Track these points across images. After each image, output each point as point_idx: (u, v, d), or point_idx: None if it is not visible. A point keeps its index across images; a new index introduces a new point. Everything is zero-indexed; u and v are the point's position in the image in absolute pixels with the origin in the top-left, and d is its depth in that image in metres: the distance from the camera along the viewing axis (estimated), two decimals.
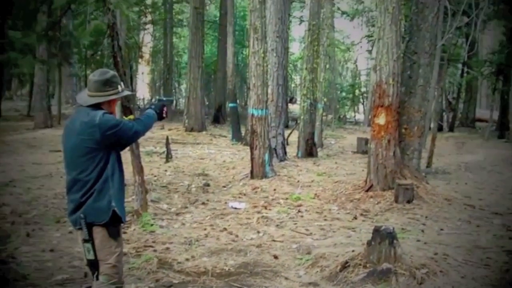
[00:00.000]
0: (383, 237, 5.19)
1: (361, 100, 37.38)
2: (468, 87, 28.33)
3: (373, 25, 34.94)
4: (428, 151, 13.13)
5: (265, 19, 11.13)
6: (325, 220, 7.98)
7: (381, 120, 9.27)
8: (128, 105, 7.50)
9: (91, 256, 3.54)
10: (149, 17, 32.35)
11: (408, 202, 8.66)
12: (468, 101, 29.52)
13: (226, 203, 9.02)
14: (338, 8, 30.24)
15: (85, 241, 3.51)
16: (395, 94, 9.21)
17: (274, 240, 6.79)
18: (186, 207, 8.68)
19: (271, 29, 12.75)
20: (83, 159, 3.49)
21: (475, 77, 24.50)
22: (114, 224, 3.57)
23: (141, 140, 15.18)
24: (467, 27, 20.46)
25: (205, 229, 7.32)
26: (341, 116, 31.79)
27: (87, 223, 3.45)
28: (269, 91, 12.08)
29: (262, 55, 10.90)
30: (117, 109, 4.00)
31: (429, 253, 6.01)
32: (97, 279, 3.60)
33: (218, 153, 15.54)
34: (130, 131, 3.60)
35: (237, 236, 7.01)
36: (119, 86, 3.69)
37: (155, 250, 6.23)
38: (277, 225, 7.58)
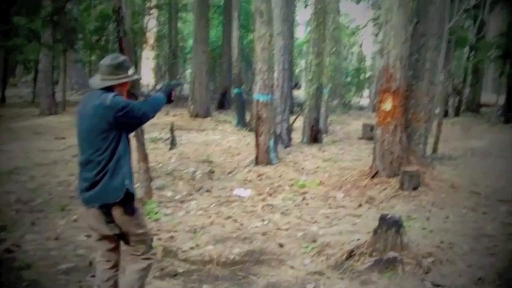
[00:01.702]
0: (389, 225, 5.15)
1: (366, 85, 37.15)
2: (474, 71, 28.01)
3: (379, 8, 34.81)
4: (433, 137, 13.00)
5: (270, 3, 11.01)
6: (330, 207, 7.94)
7: (387, 105, 9.18)
8: (132, 91, 7.44)
9: (117, 231, 3.78)
10: (153, 2, 32.18)
11: (414, 189, 8.59)
12: (474, 85, 29.19)
13: (231, 190, 8.98)
14: None
15: (107, 222, 3.71)
16: (402, 78, 9.11)
17: (279, 228, 6.77)
18: (191, 195, 8.65)
19: (277, 12, 12.60)
20: (96, 139, 3.63)
21: (481, 60, 24.18)
22: (129, 201, 3.71)
23: (145, 126, 15.08)
24: (475, 9, 20.34)
25: (210, 217, 7.30)
26: (346, 102, 31.57)
27: (105, 205, 3.65)
28: (275, 76, 11.97)
29: (268, 39, 10.80)
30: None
31: (435, 241, 5.99)
32: (130, 244, 3.89)
33: (223, 139, 15.46)
34: (139, 111, 3.72)
35: (242, 224, 6.99)
36: (130, 70, 3.84)
37: (159, 239, 6.22)
38: (282, 213, 7.56)
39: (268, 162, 10.96)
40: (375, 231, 5.27)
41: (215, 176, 10.19)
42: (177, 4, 31.47)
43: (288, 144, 13.59)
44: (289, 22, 13.65)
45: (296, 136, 14.92)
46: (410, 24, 9.29)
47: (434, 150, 12.62)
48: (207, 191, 8.97)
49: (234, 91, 20.87)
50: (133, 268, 3.92)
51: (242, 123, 19.04)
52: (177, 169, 10.48)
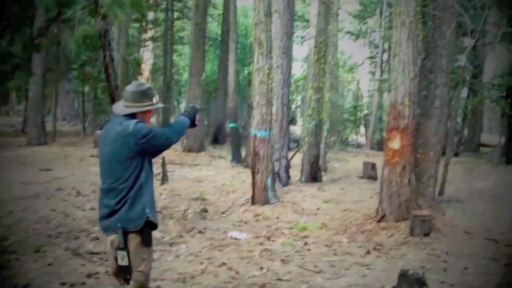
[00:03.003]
0: (411, 283, 4.44)
1: (363, 122, 36.74)
2: (473, 112, 27.62)
3: (377, 46, 34.72)
4: (439, 178, 12.34)
5: (270, 33, 10.45)
6: (335, 254, 7.20)
7: (395, 144, 8.54)
8: None
9: (125, 263, 3.58)
10: (149, 33, 31.82)
11: (425, 235, 7.89)
12: (473, 125, 28.79)
13: (225, 232, 8.25)
14: (342, 28, 29.66)
15: (120, 249, 3.56)
16: (411, 115, 8.49)
17: (279, 279, 6.00)
18: (182, 236, 7.89)
19: (277, 44, 12.07)
20: (118, 167, 3.60)
21: (481, 100, 23.79)
22: (148, 231, 3.62)
23: None
24: (473, 49, 19.95)
25: (201, 263, 6.54)
26: (343, 139, 31.05)
27: (123, 230, 3.54)
28: (273, 110, 11.32)
29: (267, 71, 10.22)
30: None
31: None
32: (128, 283, 3.64)
33: (217, 176, 14.77)
34: (162, 136, 3.69)
35: (237, 272, 6.21)
36: (154, 98, 3.82)
37: None
38: (282, 260, 6.79)
39: (266, 202, 10.27)
40: None
41: (208, 215, 9.46)
42: (173, 37, 31.06)
43: (286, 182, 12.90)
44: (289, 55, 13.05)
45: (294, 174, 14.22)
46: (418, 58, 8.71)
47: (441, 192, 11.93)
48: (200, 232, 8.22)
49: (230, 125, 20.26)
50: None
51: (237, 159, 18.42)
52: (167, 207, 9.75)
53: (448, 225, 8.53)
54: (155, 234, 7.43)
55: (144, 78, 35.17)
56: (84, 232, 7.71)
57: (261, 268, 6.39)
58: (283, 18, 12.56)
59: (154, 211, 3.70)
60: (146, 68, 34.61)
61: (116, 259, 3.63)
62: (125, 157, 3.58)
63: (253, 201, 10.34)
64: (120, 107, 3.78)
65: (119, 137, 3.59)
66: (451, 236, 8.04)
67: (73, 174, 13.43)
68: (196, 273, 6.11)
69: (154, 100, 3.83)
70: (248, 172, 14.33)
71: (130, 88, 3.80)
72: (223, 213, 9.78)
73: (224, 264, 6.51)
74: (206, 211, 9.72)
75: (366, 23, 34.69)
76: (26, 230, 7.67)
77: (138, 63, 29.98)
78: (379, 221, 8.61)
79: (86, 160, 17.04)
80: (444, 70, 9.37)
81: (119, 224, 3.55)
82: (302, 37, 31.89)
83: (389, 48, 33.99)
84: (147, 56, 35.95)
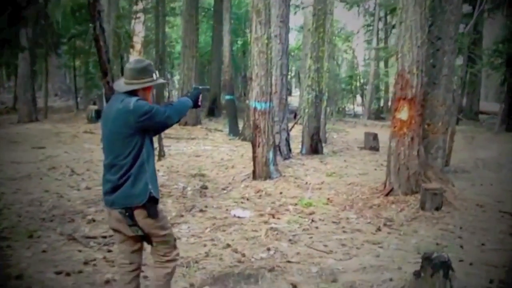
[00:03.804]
0: (436, 267, 4.07)
1: (360, 92, 36.29)
2: (472, 79, 27.21)
3: (372, 15, 34.09)
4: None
5: (268, 1, 9.95)
6: (345, 232, 6.85)
7: (403, 114, 8.15)
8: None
9: (140, 233, 3.72)
10: (140, 5, 31.08)
11: (437, 209, 7.56)
12: (471, 93, 28.40)
13: (227, 210, 7.88)
14: None
15: (130, 225, 3.67)
16: (419, 84, 8.08)
17: (289, 261, 5.64)
18: (182, 216, 7.52)
19: (274, 12, 11.58)
20: (118, 144, 3.60)
21: (482, 67, 23.38)
22: (152, 204, 3.65)
23: None
24: (471, 16, 19.48)
25: (205, 245, 6.18)
26: (340, 109, 30.63)
27: (127, 207, 3.60)
28: (273, 82, 10.85)
29: (266, 41, 9.76)
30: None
31: (482, 279, 4.92)
32: (153, 245, 3.86)
33: (215, 150, 14.40)
34: (163, 115, 3.66)
35: (243, 255, 5.85)
36: (154, 75, 3.80)
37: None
38: (290, 240, 6.43)
39: (267, 177, 9.90)
40: (417, 274, 4.18)
41: (209, 192, 9.10)
42: (165, 8, 30.32)
43: (287, 156, 12.53)
44: (287, 23, 12.56)
45: (294, 146, 13.84)
46: (426, 24, 8.25)
47: (447, 162, 11.60)
48: (200, 211, 7.85)
49: (226, 97, 19.80)
50: (159, 274, 3.90)
51: (234, 132, 18.06)
52: (165, 185, 9.36)
53: (459, 198, 8.19)
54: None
55: (136, 51, 34.54)
56: (80, 214, 7.35)
57: (268, 250, 6.03)
58: None
59: (156, 187, 3.71)
60: (138, 40, 33.94)
61: (129, 232, 3.73)
62: (126, 134, 3.58)
63: (254, 176, 9.99)
64: (121, 85, 3.77)
65: (120, 115, 3.59)
66: (463, 210, 7.71)
67: (66, 151, 13.03)
68: (199, 256, 5.75)
69: (154, 76, 3.81)
70: (247, 145, 13.99)
71: (129, 65, 3.80)
72: (223, 189, 9.42)
73: (228, 245, 6.15)
74: (206, 187, 9.37)
75: None
76: (19, 214, 7.31)
77: (129, 36, 29.33)
78: (387, 195, 8.27)
79: (80, 137, 16.66)
80: (451, 37, 8.91)
81: (118, 203, 3.60)
82: (297, 6, 31.19)
83: (385, 15, 33.61)
84: (139, 29, 35.22)
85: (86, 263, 5.48)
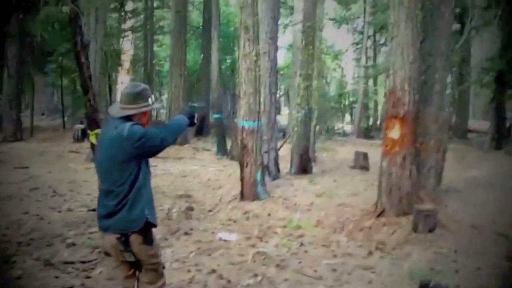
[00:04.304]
0: None
1: (349, 110, 36.24)
2: (461, 97, 27.21)
3: (361, 33, 34.15)
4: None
5: (257, 18, 9.76)
6: (335, 256, 6.58)
7: (394, 133, 7.92)
8: (94, 117, 6.09)
9: (132, 259, 3.69)
10: (128, 24, 30.97)
11: (430, 231, 7.30)
12: (460, 111, 28.37)
13: (213, 233, 7.60)
14: (326, 14, 28.98)
15: (124, 251, 3.64)
16: (411, 102, 7.86)
17: None
18: (166, 239, 7.22)
19: (263, 29, 11.37)
20: (115, 170, 3.58)
21: (470, 85, 23.39)
22: (148, 230, 3.67)
23: None
24: (460, 33, 19.46)
25: (189, 271, 5.89)
26: (330, 127, 30.48)
27: (123, 233, 3.58)
28: (261, 100, 10.61)
29: (254, 58, 9.56)
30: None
31: None
32: (141, 271, 3.81)
33: (202, 170, 14.10)
34: (157, 138, 3.61)
35: (229, 281, 5.58)
36: (149, 99, 3.78)
37: None
38: (278, 265, 6.14)
39: (255, 198, 9.65)
40: None
41: (195, 214, 8.81)
42: (153, 26, 30.21)
43: (276, 176, 12.27)
44: (275, 41, 12.37)
45: (282, 166, 13.56)
46: (418, 40, 8.07)
47: (438, 182, 11.35)
48: (185, 234, 7.56)
49: (214, 116, 19.56)
50: None
51: (222, 151, 17.82)
52: None
53: (453, 219, 7.94)
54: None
55: (125, 70, 34.38)
56: (59, 238, 7.03)
57: (255, 275, 5.75)
58: (269, 2, 11.87)
59: (153, 212, 3.73)
60: (126, 59, 33.76)
61: (124, 258, 3.71)
62: (121, 161, 3.56)
63: (242, 197, 9.73)
64: (116, 109, 3.76)
65: (114, 141, 3.58)
66: (458, 232, 7.45)
67: (50, 171, 12.69)
68: (183, 283, 5.47)
69: (150, 100, 3.79)
70: (235, 164, 13.70)
71: (125, 90, 3.79)
72: (210, 211, 9.14)
73: (213, 271, 5.86)
74: (191, 209, 9.08)
75: (350, 9, 34.05)
76: None
77: (117, 54, 29.16)
78: (378, 216, 7.99)
79: (65, 156, 16.35)
80: (443, 53, 8.76)
81: (116, 228, 3.60)
82: (286, 25, 31.15)
83: (374, 34, 33.69)
84: (127, 47, 35.07)
85: None
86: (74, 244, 6.75)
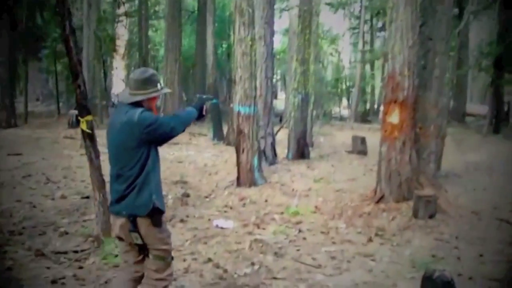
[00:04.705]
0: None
1: (346, 94, 36.04)
2: (459, 81, 27.07)
3: (358, 17, 33.88)
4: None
5: (252, 1, 9.55)
6: (334, 243, 6.45)
7: (394, 118, 7.78)
8: (84, 104, 5.90)
9: (139, 242, 3.68)
10: (123, 8, 30.59)
11: (430, 217, 7.19)
12: (458, 95, 28.25)
13: (209, 220, 7.45)
14: None
15: (131, 231, 3.63)
16: (411, 86, 7.72)
17: (274, 278, 5.24)
18: None
19: (259, 14, 11.14)
20: (124, 155, 3.60)
21: (469, 70, 23.29)
22: (156, 215, 3.64)
23: None
24: (458, 18, 19.28)
25: (184, 260, 5.74)
26: (327, 112, 30.31)
27: (131, 215, 3.59)
28: (257, 84, 10.41)
29: (250, 42, 9.36)
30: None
31: None
32: (148, 257, 3.75)
33: (199, 155, 13.94)
34: (168, 126, 3.63)
35: (225, 270, 5.43)
36: (158, 84, 3.78)
37: None
38: (276, 253, 6.01)
39: (252, 183, 9.50)
40: None
41: (190, 201, 8.65)
42: (148, 11, 29.84)
43: (273, 161, 12.11)
44: (271, 25, 12.14)
45: (280, 151, 13.40)
46: (417, 24, 7.88)
47: (438, 167, 11.23)
48: (181, 221, 7.41)
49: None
50: None
51: (218, 136, 17.65)
52: None
53: (453, 204, 7.83)
54: None
55: (119, 55, 34.05)
56: (52, 226, 6.86)
57: (253, 264, 5.61)
58: None
59: (161, 198, 3.70)
60: (121, 44, 33.41)
61: (132, 239, 3.69)
62: (131, 146, 3.57)
63: (239, 183, 9.57)
64: (126, 95, 3.76)
65: (124, 127, 3.58)
66: (458, 218, 7.34)
67: (43, 158, 12.49)
68: (178, 273, 5.30)
69: (159, 86, 3.78)
70: (231, 150, 13.55)
71: (133, 75, 3.79)
72: (206, 197, 8.99)
73: (209, 260, 5.72)
74: (187, 195, 8.92)
75: None
76: None
77: (112, 39, 28.82)
78: (377, 202, 7.88)
79: (60, 143, 16.11)
80: (443, 37, 8.59)
81: (125, 212, 3.60)
82: (282, 9, 30.85)
83: (371, 18, 33.41)
84: (122, 32, 34.68)
85: (54, 281, 5.03)
86: (67, 233, 6.58)
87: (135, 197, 3.58)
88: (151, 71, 3.83)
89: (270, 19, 12.00)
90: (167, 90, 3.98)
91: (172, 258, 3.91)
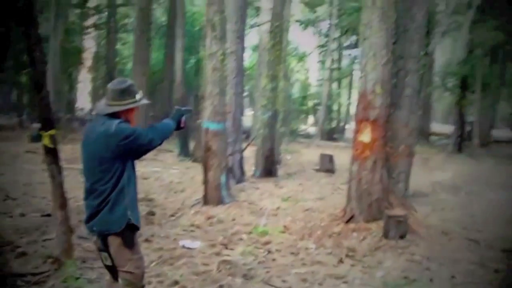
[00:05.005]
0: None
1: (313, 112, 36.16)
2: (425, 100, 27.48)
3: (326, 35, 34.11)
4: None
5: (224, 15, 9.41)
6: (304, 264, 6.28)
7: (365, 136, 7.68)
8: (48, 117, 5.64)
9: (108, 263, 3.58)
10: (91, 20, 30.25)
11: (401, 237, 7.09)
12: (423, 114, 28.64)
13: (175, 240, 7.19)
14: (292, 16, 28.83)
15: (101, 250, 3.56)
16: (383, 105, 7.65)
17: None
18: None
19: (230, 28, 11.01)
20: (99, 168, 3.50)
21: (435, 89, 23.70)
22: (129, 233, 3.53)
23: (77, 155, 12.80)
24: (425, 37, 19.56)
25: (149, 283, 5.48)
26: (294, 130, 30.31)
27: (102, 233, 3.50)
28: (227, 100, 10.26)
29: (221, 57, 9.20)
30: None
31: None
32: (117, 281, 3.64)
33: (164, 171, 13.68)
34: (146, 138, 3.54)
35: None
36: (136, 95, 3.68)
37: None
38: (245, 275, 5.79)
39: (219, 202, 9.29)
40: None
41: (156, 219, 8.39)
42: (116, 24, 29.53)
43: (240, 179, 11.94)
44: (243, 40, 12.04)
45: (247, 168, 13.23)
46: (391, 42, 7.84)
47: (405, 186, 11.22)
48: (146, 240, 7.13)
49: None
50: None
51: (185, 152, 17.42)
52: None
53: (423, 225, 7.75)
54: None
55: (86, 68, 33.62)
56: (9, 246, 6.52)
57: (221, 287, 5.41)
58: (237, 0, 11.53)
59: (136, 213, 3.60)
60: (87, 57, 32.99)
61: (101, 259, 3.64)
62: (107, 159, 3.48)
63: (205, 201, 9.35)
64: (102, 106, 3.65)
65: (101, 138, 3.49)
66: (429, 238, 7.26)
67: (2, 173, 12.06)
68: None
69: (137, 97, 3.68)
70: (197, 166, 13.35)
71: (111, 85, 3.69)
72: (172, 215, 8.73)
73: (176, 283, 5.48)
74: (153, 214, 8.66)
75: (316, 11, 33.97)
76: None
77: (79, 52, 28.43)
78: (347, 222, 7.75)
79: (21, 157, 15.64)
80: (414, 56, 8.61)
81: (96, 228, 3.52)
82: (251, 25, 30.85)
83: (339, 37, 33.67)
84: (89, 44, 34.29)
85: None
86: (25, 254, 6.22)
87: (108, 213, 3.48)
88: (129, 81, 3.73)
89: (241, 34, 11.90)
90: (145, 102, 3.83)
91: (143, 286, 3.75)
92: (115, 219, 3.47)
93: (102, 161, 3.48)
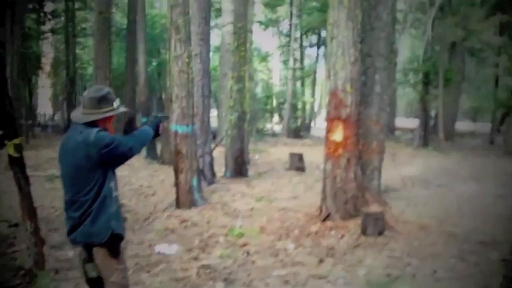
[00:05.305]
0: None
1: (278, 111, 36.21)
2: (390, 96, 27.91)
3: (288, 35, 34.24)
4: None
5: (188, 17, 9.25)
6: (285, 266, 6.19)
7: (337, 135, 7.66)
8: (11, 125, 5.42)
9: (93, 275, 3.50)
10: (48, 25, 29.62)
11: (379, 234, 7.09)
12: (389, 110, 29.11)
13: (151, 245, 7.03)
14: (254, 15, 28.80)
15: (85, 261, 3.49)
16: (353, 103, 7.63)
17: None
18: None
19: (194, 30, 10.85)
20: (79, 179, 3.40)
21: (398, 85, 24.06)
22: (113, 243, 3.45)
23: (42, 161, 12.47)
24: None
25: None
26: (260, 129, 30.28)
27: (86, 244, 3.43)
28: (194, 103, 10.10)
29: (187, 60, 9.05)
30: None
31: None
32: None
33: (133, 175, 13.42)
34: (126, 146, 3.45)
35: None
36: (114, 103, 3.58)
37: None
38: (225, 279, 5.68)
39: (192, 205, 9.16)
40: None
41: (128, 225, 8.16)
42: (75, 28, 29.00)
43: (211, 180, 11.79)
44: (207, 42, 11.88)
45: (216, 169, 13.08)
46: (359, 40, 7.82)
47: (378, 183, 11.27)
48: None
49: (142, 119, 18.83)
50: None
51: (152, 155, 17.14)
52: None
53: (399, 220, 7.77)
54: (68, 252, 6.21)
55: (45, 73, 32.95)
56: None
57: None
58: (201, 2, 11.36)
59: (120, 223, 3.51)
60: (46, 62, 32.32)
61: (85, 271, 3.53)
62: (87, 168, 3.36)
63: (178, 205, 9.21)
64: (79, 115, 3.52)
65: (79, 147, 3.36)
66: (407, 234, 7.26)
67: None
68: None
69: (115, 104, 3.58)
70: (166, 169, 13.19)
71: (87, 94, 3.56)
72: (145, 220, 8.55)
73: None
74: (125, 219, 8.45)
75: (276, 12, 34.08)
76: None
77: (37, 57, 27.81)
78: (324, 220, 7.73)
79: None
80: (382, 54, 8.62)
81: (78, 240, 3.42)
82: (212, 27, 30.69)
83: (300, 36, 33.80)
84: (48, 49, 33.57)
85: None
86: None
87: (90, 224, 3.37)
88: (106, 89, 3.61)
89: (206, 36, 11.74)
90: (123, 109, 3.70)
91: None
92: (98, 231, 3.37)
93: (83, 171, 3.37)
